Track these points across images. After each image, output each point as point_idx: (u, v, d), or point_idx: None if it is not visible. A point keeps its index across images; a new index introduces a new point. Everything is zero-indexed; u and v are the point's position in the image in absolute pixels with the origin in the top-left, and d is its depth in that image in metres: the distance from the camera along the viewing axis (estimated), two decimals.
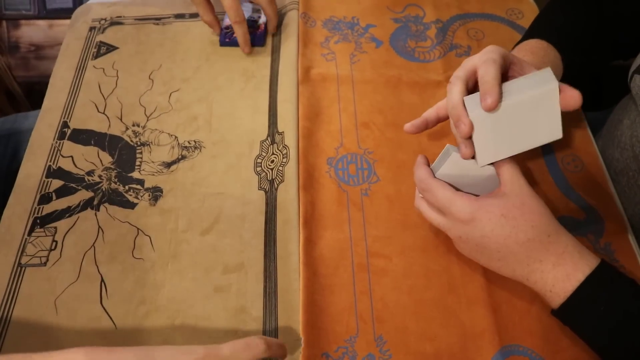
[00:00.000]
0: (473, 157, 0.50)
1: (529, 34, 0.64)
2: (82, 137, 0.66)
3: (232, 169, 0.63)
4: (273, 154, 0.64)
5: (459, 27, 0.77)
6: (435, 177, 0.52)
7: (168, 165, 0.64)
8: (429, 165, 0.53)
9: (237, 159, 0.64)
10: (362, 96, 0.69)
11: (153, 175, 0.63)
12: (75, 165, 0.63)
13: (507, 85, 0.48)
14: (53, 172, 0.63)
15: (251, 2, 0.75)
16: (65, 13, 1.46)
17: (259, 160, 0.64)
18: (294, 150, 0.64)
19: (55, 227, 0.58)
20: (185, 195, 0.61)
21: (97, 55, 0.74)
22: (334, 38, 0.76)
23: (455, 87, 0.50)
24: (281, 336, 0.51)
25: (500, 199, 0.48)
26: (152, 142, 0.65)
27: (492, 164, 0.50)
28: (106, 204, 0.60)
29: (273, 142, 0.65)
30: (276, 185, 0.61)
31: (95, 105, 0.69)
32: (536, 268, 0.47)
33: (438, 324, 0.52)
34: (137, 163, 0.64)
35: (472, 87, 0.51)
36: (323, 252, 0.56)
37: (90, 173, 0.63)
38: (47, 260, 0.56)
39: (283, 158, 0.63)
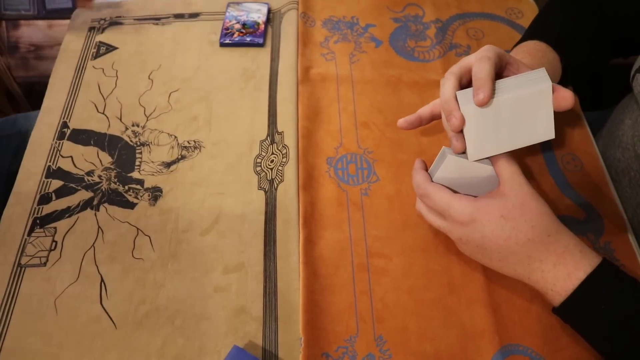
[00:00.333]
0: (464, 153, 0.50)
1: (527, 35, 0.64)
2: (82, 137, 0.66)
3: (231, 169, 0.63)
4: (273, 153, 0.64)
5: (458, 27, 0.77)
6: (432, 180, 0.52)
7: (168, 165, 0.64)
8: (426, 169, 0.53)
9: (237, 159, 0.64)
10: (362, 96, 0.69)
11: (153, 175, 0.63)
12: (75, 166, 0.63)
13: (500, 83, 0.48)
14: (53, 173, 0.63)
15: None
16: (65, 13, 1.45)
17: (258, 160, 0.64)
18: (294, 150, 0.64)
19: (55, 228, 0.58)
20: (185, 195, 0.61)
21: (97, 55, 0.74)
22: (333, 38, 0.76)
23: (448, 82, 0.50)
24: (281, 336, 0.51)
25: (499, 200, 0.48)
26: (151, 142, 0.65)
27: (490, 163, 0.50)
28: (106, 204, 0.60)
29: (273, 141, 0.65)
30: (276, 185, 0.61)
31: (95, 105, 0.69)
32: (537, 267, 0.47)
33: (438, 323, 0.52)
34: (137, 163, 0.64)
35: (465, 84, 0.52)
36: (323, 252, 0.56)
37: (90, 173, 0.63)
38: (47, 260, 0.56)
39: (283, 158, 0.63)
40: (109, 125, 0.67)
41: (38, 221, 0.59)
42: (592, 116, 0.70)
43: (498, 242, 0.48)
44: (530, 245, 0.47)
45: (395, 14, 0.79)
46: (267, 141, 0.65)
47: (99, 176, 0.62)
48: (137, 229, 0.58)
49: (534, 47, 0.61)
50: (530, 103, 0.47)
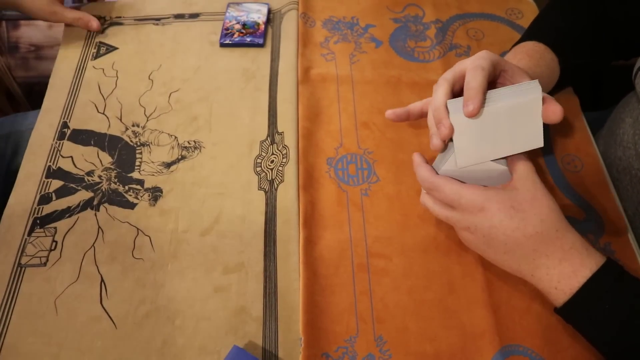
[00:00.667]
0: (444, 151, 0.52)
1: (527, 35, 0.64)
2: (82, 137, 0.66)
3: (232, 169, 0.63)
4: (273, 154, 0.64)
5: (458, 27, 0.77)
6: (438, 174, 0.52)
7: (168, 165, 0.64)
8: (427, 163, 0.53)
9: (237, 159, 0.64)
10: (362, 96, 0.69)
11: (153, 175, 0.63)
12: (75, 166, 0.63)
13: (492, 93, 0.49)
14: (53, 173, 0.63)
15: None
16: None
17: (258, 161, 0.64)
18: (294, 151, 0.64)
19: (55, 228, 0.58)
20: (185, 196, 0.61)
21: (97, 55, 0.74)
22: (333, 38, 0.76)
23: (441, 89, 0.51)
24: (281, 336, 0.51)
25: (510, 192, 0.48)
26: (151, 143, 0.65)
27: (505, 159, 0.51)
28: (106, 204, 0.60)
29: (273, 142, 0.65)
30: (276, 186, 0.61)
31: (95, 105, 0.69)
32: (542, 263, 0.48)
33: (438, 324, 0.52)
34: (137, 163, 0.64)
35: (458, 90, 0.53)
36: (323, 253, 0.56)
37: (90, 173, 0.63)
38: (47, 260, 0.56)
39: (283, 158, 0.63)
40: (109, 126, 0.67)
41: (38, 221, 0.59)
42: (592, 116, 0.70)
43: (506, 233, 0.48)
44: (537, 238, 0.47)
45: (395, 15, 0.79)
46: (267, 141, 0.65)
47: (99, 176, 0.62)
48: (137, 229, 0.58)
49: (533, 48, 0.61)
50: (520, 113, 0.48)
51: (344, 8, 0.80)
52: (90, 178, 0.62)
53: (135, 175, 0.63)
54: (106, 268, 0.56)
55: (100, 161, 0.64)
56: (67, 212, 0.59)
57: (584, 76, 0.65)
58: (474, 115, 0.47)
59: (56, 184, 0.62)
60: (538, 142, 0.50)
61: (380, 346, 0.51)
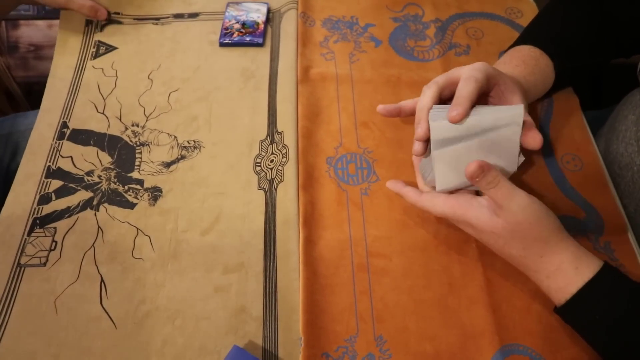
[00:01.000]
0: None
1: (523, 38, 0.64)
2: (82, 137, 0.66)
3: (231, 169, 0.63)
4: (272, 153, 0.64)
5: (458, 26, 0.77)
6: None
7: (167, 165, 0.64)
8: (406, 185, 0.56)
9: (237, 159, 0.64)
10: (362, 96, 0.69)
11: (152, 175, 0.63)
12: (75, 166, 0.63)
13: (478, 109, 0.51)
14: (52, 173, 0.62)
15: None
16: None
17: (258, 160, 0.64)
18: (294, 150, 0.63)
19: (55, 228, 0.58)
20: (184, 195, 0.61)
21: (96, 55, 0.74)
22: (333, 37, 0.76)
23: (429, 91, 0.53)
24: (281, 336, 0.51)
25: (496, 218, 0.49)
26: (151, 142, 0.65)
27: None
28: (106, 204, 0.60)
29: (272, 141, 0.65)
30: (276, 185, 0.61)
31: (95, 105, 0.69)
32: (555, 257, 0.48)
33: (438, 323, 0.52)
34: (137, 163, 0.64)
35: (448, 96, 0.54)
36: (323, 252, 0.56)
37: (89, 173, 0.63)
38: (47, 260, 0.56)
39: (282, 158, 0.63)
40: (109, 125, 0.67)
41: (38, 221, 0.59)
42: (592, 115, 0.70)
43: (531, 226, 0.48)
44: (540, 243, 0.48)
45: (395, 14, 0.79)
46: (266, 141, 0.65)
47: (99, 176, 0.62)
48: (137, 229, 0.58)
49: (528, 54, 0.61)
50: (499, 138, 0.50)
51: (344, 7, 0.80)
52: (89, 178, 0.62)
53: (134, 175, 0.63)
54: (106, 268, 0.56)
55: (100, 161, 0.64)
56: (67, 212, 0.59)
57: (583, 77, 0.65)
58: (456, 121, 0.49)
59: (56, 184, 0.62)
60: (512, 168, 0.52)
61: (380, 346, 0.51)
